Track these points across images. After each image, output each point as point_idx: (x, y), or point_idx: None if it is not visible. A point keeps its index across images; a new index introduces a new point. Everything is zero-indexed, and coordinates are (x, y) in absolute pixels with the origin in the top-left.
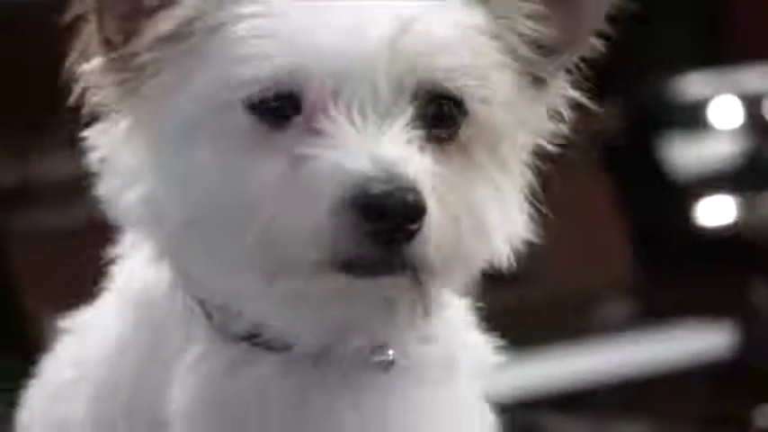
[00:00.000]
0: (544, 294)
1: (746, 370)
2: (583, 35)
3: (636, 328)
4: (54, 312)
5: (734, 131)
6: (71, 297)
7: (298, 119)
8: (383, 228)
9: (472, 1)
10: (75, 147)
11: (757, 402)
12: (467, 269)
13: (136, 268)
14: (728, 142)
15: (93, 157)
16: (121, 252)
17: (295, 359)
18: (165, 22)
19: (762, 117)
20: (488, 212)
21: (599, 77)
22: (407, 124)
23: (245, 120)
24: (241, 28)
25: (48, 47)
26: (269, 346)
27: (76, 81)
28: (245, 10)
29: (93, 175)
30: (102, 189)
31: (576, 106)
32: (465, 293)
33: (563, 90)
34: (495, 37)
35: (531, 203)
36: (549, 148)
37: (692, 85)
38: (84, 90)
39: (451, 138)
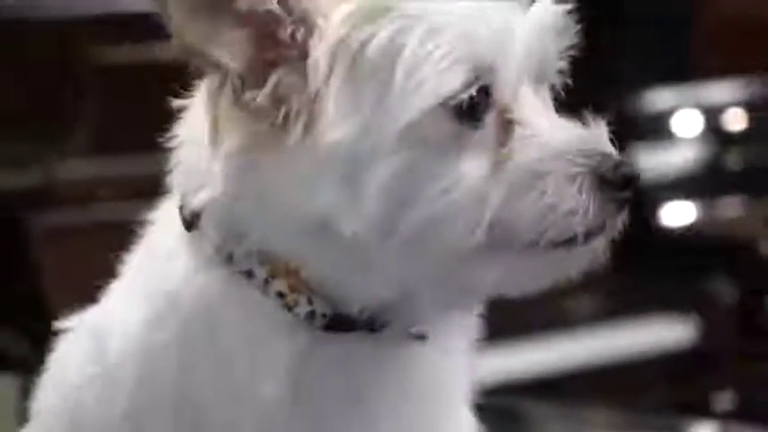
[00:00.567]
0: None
1: (705, 360)
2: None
3: (604, 321)
4: (74, 304)
5: (695, 141)
6: (89, 290)
7: (490, 114)
8: (627, 196)
9: None
10: (92, 151)
11: (715, 389)
12: None
13: (173, 272)
14: (690, 151)
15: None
16: (139, 249)
17: (364, 337)
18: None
19: (720, 128)
20: None
21: (570, 92)
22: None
23: (443, 124)
24: (405, 41)
25: (71, 59)
26: (348, 329)
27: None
28: (394, 25)
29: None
30: (195, 198)
31: None
32: None
33: None
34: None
35: None
36: None
37: (657, 98)
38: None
39: None
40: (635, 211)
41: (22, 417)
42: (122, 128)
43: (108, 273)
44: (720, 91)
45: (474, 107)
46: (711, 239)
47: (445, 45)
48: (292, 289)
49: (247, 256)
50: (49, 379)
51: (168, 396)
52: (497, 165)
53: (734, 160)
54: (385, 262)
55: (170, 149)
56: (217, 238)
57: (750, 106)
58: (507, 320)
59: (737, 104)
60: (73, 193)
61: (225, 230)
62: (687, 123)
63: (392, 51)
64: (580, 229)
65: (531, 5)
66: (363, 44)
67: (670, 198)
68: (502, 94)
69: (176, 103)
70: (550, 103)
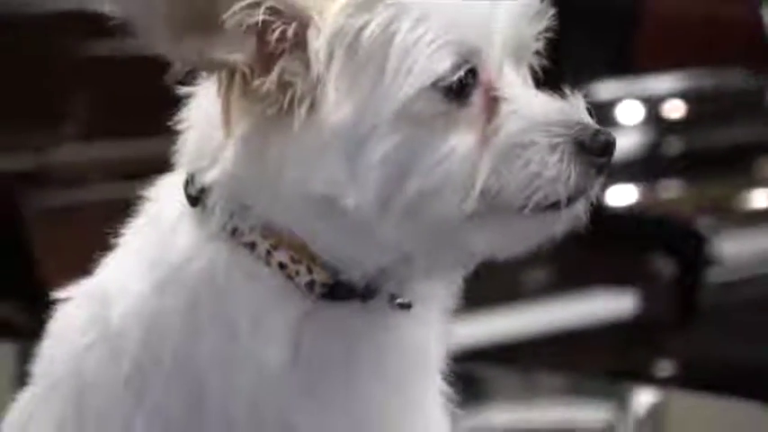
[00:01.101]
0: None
1: (646, 329)
2: None
3: (555, 293)
4: (67, 279)
5: (637, 129)
6: (81, 263)
7: (477, 93)
8: (607, 161)
9: None
10: (82, 137)
11: (655, 357)
12: None
13: (178, 243)
14: (632, 138)
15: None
16: (139, 224)
17: (356, 306)
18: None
19: (660, 117)
20: None
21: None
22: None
23: (435, 103)
24: (397, 28)
25: (61, 51)
26: (347, 297)
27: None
28: (385, 13)
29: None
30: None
31: None
32: None
33: None
34: None
35: None
36: None
37: (603, 89)
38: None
39: None
40: None
41: (21, 381)
42: (110, 115)
43: (98, 247)
44: (660, 83)
45: (462, 87)
46: (652, 219)
47: (434, 31)
48: (293, 260)
49: (251, 229)
50: (51, 345)
51: (171, 361)
52: (485, 138)
53: (672, 146)
54: (384, 231)
55: (176, 132)
56: (222, 212)
57: (687, 97)
58: (468, 293)
59: (675, 96)
60: (64, 175)
61: (231, 206)
62: (630, 113)
63: (385, 38)
64: (563, 194)
65: None
66: (359, 32)
67: (614, 181)
68: (487, 74)
69: (182, 89)
70: (530, 81)
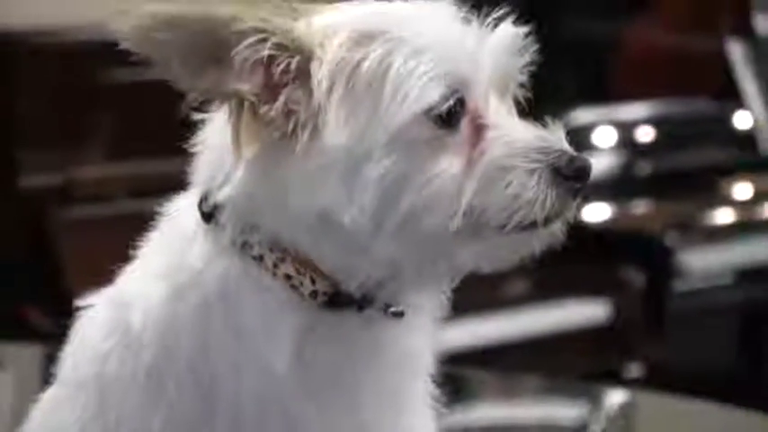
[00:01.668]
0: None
1: (618, 335)
2: None
3: (535, 301)
4: (90, 287)
5: (611, 152)
6: (104, 273)
7: (464, 120)
8: (582, 185)
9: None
10: (105, 157)
11: (626, 360)
12: None
13: (192, 255)
14: (607, 160)
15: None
16: (156, 237)
17: (354, 315)
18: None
19: (632, 141)
20: None
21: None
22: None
23: (426, 130)
24: (392, 61)
25: (87, 79)
26: (346, 306)
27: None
28: (382, 48)
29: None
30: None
31: None
32: None
33: None
34: None
35: None
36: None
37: (581, 116)
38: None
39: None
40: None
41: (46, 382)
42: (131, 137)
43: (119, 258)
44: (632, 110)
45: (451, 115)
46: (624, 234)
47: (426, 64)
48: (297, 271)
49: (260, 243)
50: (74, 348)
51: (185, 363)
52: (471, 162)
53: (643, 168)
54: (378, 245)
55: (191, 154)
56: (234, 228)
57: (657, 123)
58: (454, 302)
59: (646, 122)
60: (89, 191)
61: (242, 222)
62: (605, 137)
63: (381, 70)
64: (540, 215)
65: (495, 30)
66: (357, 64)
67: (590, 199)
68: (474, 103)
69: (196, 115)
70: (514, 110)
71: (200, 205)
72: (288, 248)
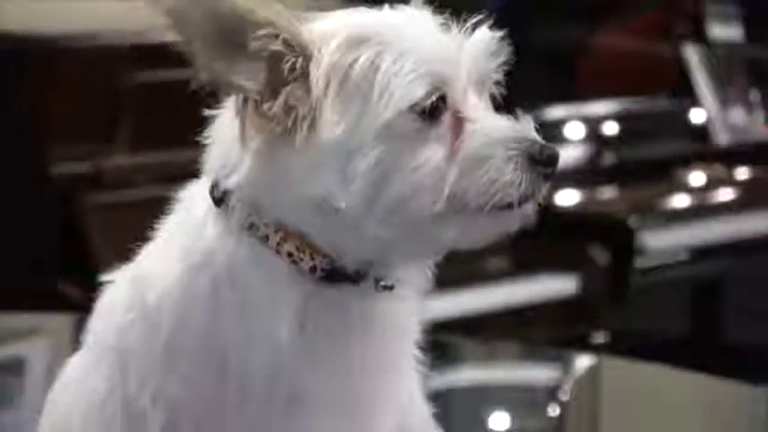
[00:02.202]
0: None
1: (585, 306)
2: None
3: (511, 275)
4: (116, 263)
5: (579, 144)
6: (128, 251)
7: (446, 115)
8: (552, 170)
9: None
10: (131, 148)
11: (592, 328)
12: None
13: (205, 236)
14: (576, 151)
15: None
16: (172, 220)
17: (349, 288)
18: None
19: (598, 134)
20: None
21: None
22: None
23: (411, 123)
24: (381, 62)
25: (115, 78)
26: (342, 281)
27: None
28: (371, 51)
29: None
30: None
31: None
32: None
33: None
34: None
35: None
36: None
37: (552, 112)
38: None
39: None
40: None
41: (75, 347)
42: (152, 130)
43: (142, 238)
44: (599, 107)
45: (434, 110)
46: (591, 216)
47: (411, 65)
48: (298, 249)
49: (265, 225)
50: (98, 320)
51: (198, 334)
52: (453, 151)
53: (608, 158)
54: (369, 228)
55: (203, 145)
56: (241, 211)
57: (620, 119)
58: (438, 275)
59: (611, 117)
60: (115, 178)
61: (248, 206)
62: (574, 131)
63: (371, 70)
64: (516, 196)
65: (473, 34)
66: (350, 66)
67: (561, 186)
68: (454, 99)
69: (208, 111)
70: (490, 105)
71: (211, 191)
72: (289, 229)
